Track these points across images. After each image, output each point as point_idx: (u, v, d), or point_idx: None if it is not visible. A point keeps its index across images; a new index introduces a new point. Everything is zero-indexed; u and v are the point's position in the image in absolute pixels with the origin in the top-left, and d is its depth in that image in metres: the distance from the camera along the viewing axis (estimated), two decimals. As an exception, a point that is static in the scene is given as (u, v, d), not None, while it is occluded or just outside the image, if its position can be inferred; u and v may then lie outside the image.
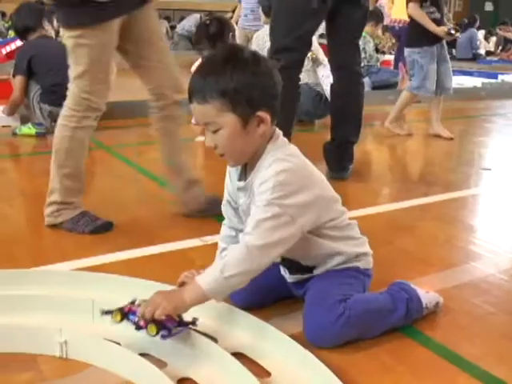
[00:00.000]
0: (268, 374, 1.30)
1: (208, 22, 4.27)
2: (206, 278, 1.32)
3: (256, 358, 1.35)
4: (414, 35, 4.21)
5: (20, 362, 1.34)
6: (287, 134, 1.61)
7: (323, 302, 1.41)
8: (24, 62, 3.85)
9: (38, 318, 1.45)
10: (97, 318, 1.44)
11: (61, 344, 1.34)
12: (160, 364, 1.29)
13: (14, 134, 3.94)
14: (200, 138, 3.83)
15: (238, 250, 1.33)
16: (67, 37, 2.04)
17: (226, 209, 1.59)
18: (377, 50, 7.04)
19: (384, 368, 1.36)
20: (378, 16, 6.97)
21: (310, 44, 2.89)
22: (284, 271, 1.59)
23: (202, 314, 1.45)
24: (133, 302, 1.36)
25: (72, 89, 2.08)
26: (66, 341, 1.34)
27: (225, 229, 1.63)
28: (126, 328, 1.38)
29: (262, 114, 1.33)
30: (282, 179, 1.32)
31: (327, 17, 2.81)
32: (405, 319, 1.51)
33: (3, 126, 4.09)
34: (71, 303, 1.49)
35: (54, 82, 3.82)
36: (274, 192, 1.31)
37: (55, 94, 3.82)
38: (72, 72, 2.08)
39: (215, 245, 1.67)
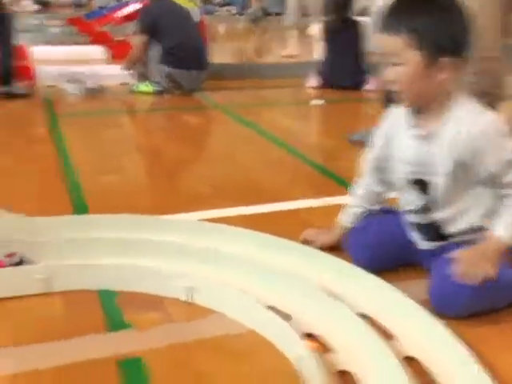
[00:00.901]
0: (391, 336, 1.28)
1: None
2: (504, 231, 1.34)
3: (380, 319, 1.33)
4: None
5: (149, 303, 1.39)
6: None
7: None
8: (147, 22, 3.92)
9: (167, 262, 1.49)
10: (221, 266, 1.47)
11: (187, 289, 1.38)
12: (285, 317, 1.29)
13: (132, 91, 4.04)
14: (315, 102, 3.80)
15: None
16: None
17: (371, 165, 1.56)
18: None
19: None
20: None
21: None
22: (418, 237, 1.53)
23: (328, 273, 1.45)
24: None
25: None
26: (193, 286, 1.38)
27: (365, 187, 1.60)
28: (253, 278, 1.41)
29: (446, 60, 1.31)
30: (498, 129, 1.34)
31: None
32: None
33: (121, 84, 4.19)
34: (197, 251, 1.52)
35: (173, 44, 3.88)
36: (504, 146, 1.33)
37: (173, 56, 3.89)
38: None
39: (335, 206, 1.65)
